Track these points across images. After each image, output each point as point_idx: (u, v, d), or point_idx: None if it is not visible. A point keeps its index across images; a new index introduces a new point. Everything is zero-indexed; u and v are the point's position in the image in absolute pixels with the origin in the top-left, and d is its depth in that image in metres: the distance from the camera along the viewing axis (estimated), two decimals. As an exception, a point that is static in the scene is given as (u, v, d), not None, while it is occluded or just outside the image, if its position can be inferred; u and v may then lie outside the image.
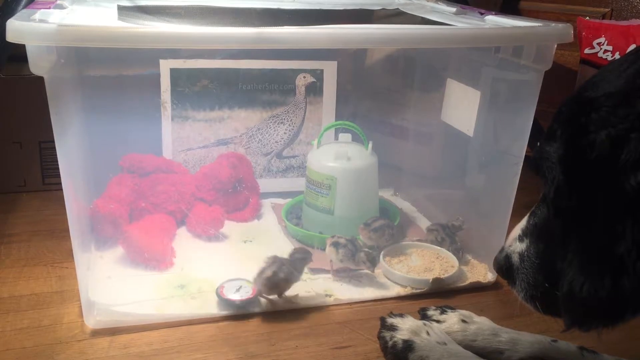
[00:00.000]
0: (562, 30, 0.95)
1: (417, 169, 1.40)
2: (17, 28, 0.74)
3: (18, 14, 0.81)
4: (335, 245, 1.05)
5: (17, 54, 0.88)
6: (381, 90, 1.43)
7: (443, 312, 0.93)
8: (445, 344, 0.84)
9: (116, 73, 1.21)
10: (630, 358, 0.82)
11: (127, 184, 1.18)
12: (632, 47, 1.19)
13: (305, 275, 1.06)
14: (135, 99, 1.23)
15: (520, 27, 0.98)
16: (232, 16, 1.19)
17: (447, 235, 1.15)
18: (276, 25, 0.82)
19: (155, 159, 1.25)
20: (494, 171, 1.14)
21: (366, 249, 1.07)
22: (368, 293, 1.03)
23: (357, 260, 1.05)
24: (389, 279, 1.07)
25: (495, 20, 1.06)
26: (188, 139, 1.30)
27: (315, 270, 1.08)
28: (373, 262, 1.05)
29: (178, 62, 1.24)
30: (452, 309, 0.94)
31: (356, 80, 1.42)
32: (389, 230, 1.13)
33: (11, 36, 0.74)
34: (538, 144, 0.64)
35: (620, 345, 0.91)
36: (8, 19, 0.75)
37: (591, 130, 0.57)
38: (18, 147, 1.34)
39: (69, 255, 1.01)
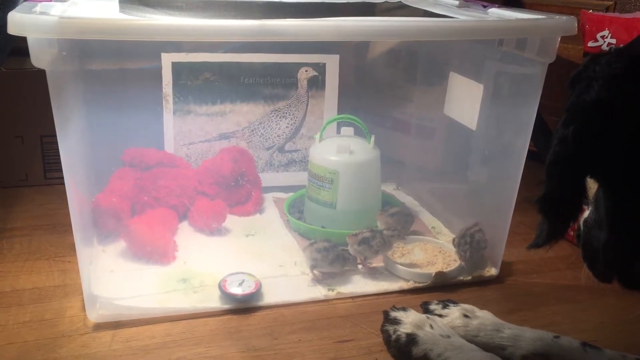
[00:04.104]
0: (566, 22, 0.94)
1: (419, 163, 1.39)
2: (19, 20, 0.73)
3: (19, 7, 0.81)
4: (366, 241, 1.05)
5: (19, 47, 0.87)
6: (383, 83, 1.42)
7: (445, 306, 0.93)
8: (449, 337, 0.84)
9: (118, 67, 1.20)
10: (633, 354, 0.82)
11: (129, 178, 1.17)
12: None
13: (308, 269, 1.06)
14: (137, 93, 1.22)
15: (523, 19, 0.97)
16: (233, 9, 1.19)
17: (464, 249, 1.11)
18: (278, 18, 0.82)
19: (157, 153, 1.24)
20: (497, 165, 1.14)
21: (384, 228, 1.08)
22: (370, 287, 1.03)
23: (389, 242, 1.06)
24: (391, 272, 1.07)
25: (498, 13, 1.06)
26: (190, 133, 1.30)
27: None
28: (401, 232, 1.08)
29: (180, 56, 1.24)
30: (455, 303, 0.93)
31: (358, 74, 1.42)
32: (404, 217, 1.14)
33: (13, 29, 0.74)
34: None
35: (622, 341, 0.91)
36: (9, 11, 0.75)
37: (591, 78, 0.61)
38: (20, 141, 1.34)
39: (71, 249, 1.01)
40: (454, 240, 1.11)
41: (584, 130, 0.61)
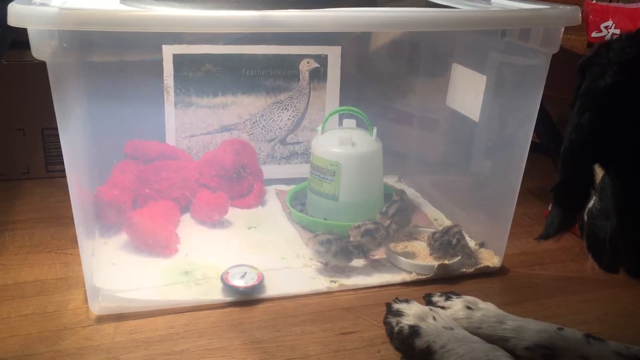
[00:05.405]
0: (570, 12, 0.94)
1: (422, 155, 1.39)
2: (19, 12, 0.73)
3: (19, -2, 0.81)
4: (369, 232, 1.05)
5: (19, 39, 0.87)
6: (386, 75, 1.42)
7: (448, 298, 0.92)
8: (452, 329, 0.84)
9: (119, 58, 1.20)
10: (637, 345, 0.82)
11: (130, 171, 1.17)
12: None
13: (310, 261, 1.06)
14: (138, 85, 1.22)
15: (527, 9, 0.96)
16: (235, 0, 1.18)
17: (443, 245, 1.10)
18: (280, 9, 0.81)
19: (158, 146, 1.24)
20: (500, 157, 1.14)
21: (387, 222, 1.08)
22: (373, 279, 1.03)
23: (393, 235, 1.06)
24: (394, 265, 1.07)
25: (501, 3, 1.05)
26: (191, 126, 1.29)
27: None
28: (402, 225, 1.10)
29: (181, 48, 1.23)
30: (457, 295, 0.93)
31: (360, 66, 1.41)
32: (403, 212, 1.14)
33: (13, 20, 0.73)
34: None
35: (626, 332, 0.91)
36: (9, 2, 0.74)
37: (604, 64, 0.60)
38: (21, 134, 1.34)
39: (73, 242, 1.01)
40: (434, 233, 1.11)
41: (600, 116, 0.60)
